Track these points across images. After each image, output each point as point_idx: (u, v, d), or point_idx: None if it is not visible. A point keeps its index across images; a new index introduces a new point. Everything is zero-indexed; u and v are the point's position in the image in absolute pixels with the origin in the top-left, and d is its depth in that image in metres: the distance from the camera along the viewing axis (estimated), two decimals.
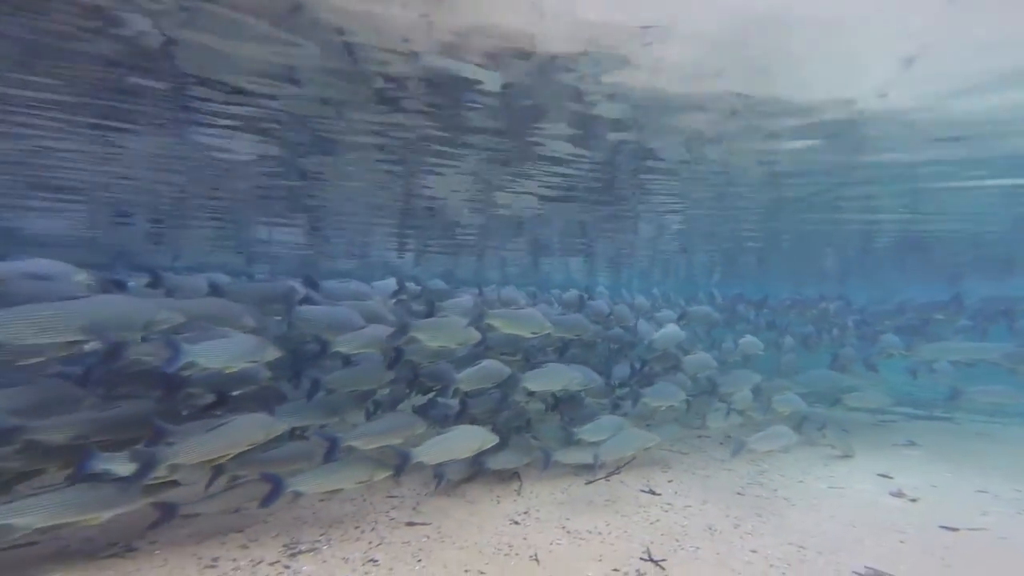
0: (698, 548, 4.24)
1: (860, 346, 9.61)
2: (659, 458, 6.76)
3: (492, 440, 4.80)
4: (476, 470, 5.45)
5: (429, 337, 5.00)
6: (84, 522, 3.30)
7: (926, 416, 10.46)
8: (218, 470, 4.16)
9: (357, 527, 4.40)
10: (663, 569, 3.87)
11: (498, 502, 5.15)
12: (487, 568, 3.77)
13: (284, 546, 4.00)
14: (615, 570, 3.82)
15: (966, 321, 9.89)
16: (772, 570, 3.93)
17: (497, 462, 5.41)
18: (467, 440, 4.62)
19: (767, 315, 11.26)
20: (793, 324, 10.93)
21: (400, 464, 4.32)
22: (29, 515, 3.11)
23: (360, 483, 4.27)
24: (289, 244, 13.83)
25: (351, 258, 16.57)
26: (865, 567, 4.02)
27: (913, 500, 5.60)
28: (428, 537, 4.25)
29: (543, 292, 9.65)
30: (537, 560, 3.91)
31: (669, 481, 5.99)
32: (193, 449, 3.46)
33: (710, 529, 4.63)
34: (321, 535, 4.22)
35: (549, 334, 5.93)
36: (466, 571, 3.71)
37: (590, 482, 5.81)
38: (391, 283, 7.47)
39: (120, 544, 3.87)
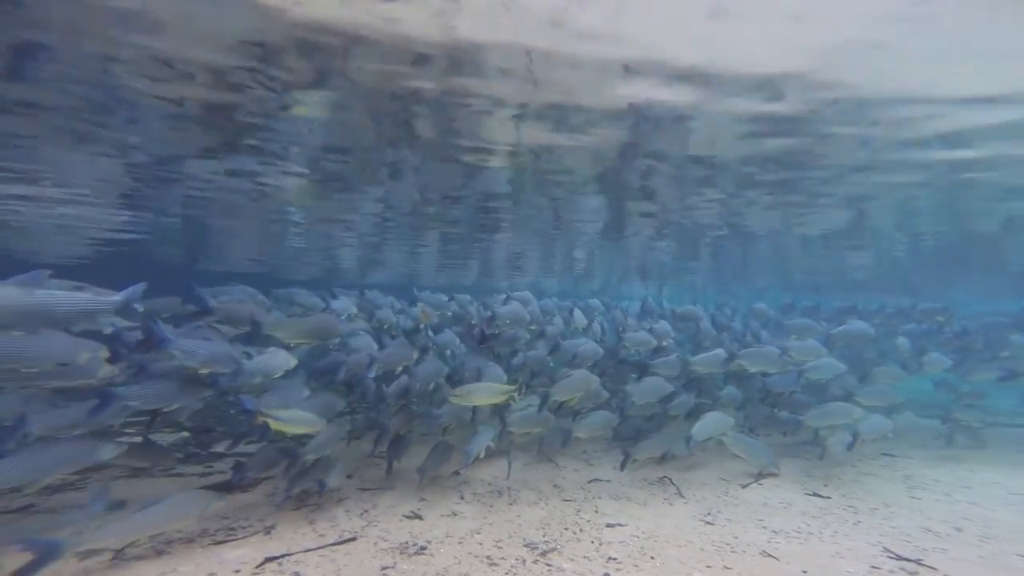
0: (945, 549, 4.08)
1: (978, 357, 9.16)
2: (803, 465, 6.55)
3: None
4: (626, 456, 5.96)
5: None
6: None
7: None
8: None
9: (568, 529, 4.39)
10: (935, 569, 3.73)
11: (671, 504, 5.04)
12: (715, 562, 3.66)
13: (527, 546, 4.01)
14: (873, 568, 3.69)
15: None
16: None
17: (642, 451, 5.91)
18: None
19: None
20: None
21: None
22: None
23: None
24: None
25: None
26: None
27: None
28: (637, 536, 4.17)
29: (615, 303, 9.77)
30: (774, 556, 3.79)
31: (825, 485, 5.79)
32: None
33: (926, 530, 4.45)
34: (544, 539, 4.20)
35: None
36: (708, 567, 3.62)
37: (745, 486, 5.67)
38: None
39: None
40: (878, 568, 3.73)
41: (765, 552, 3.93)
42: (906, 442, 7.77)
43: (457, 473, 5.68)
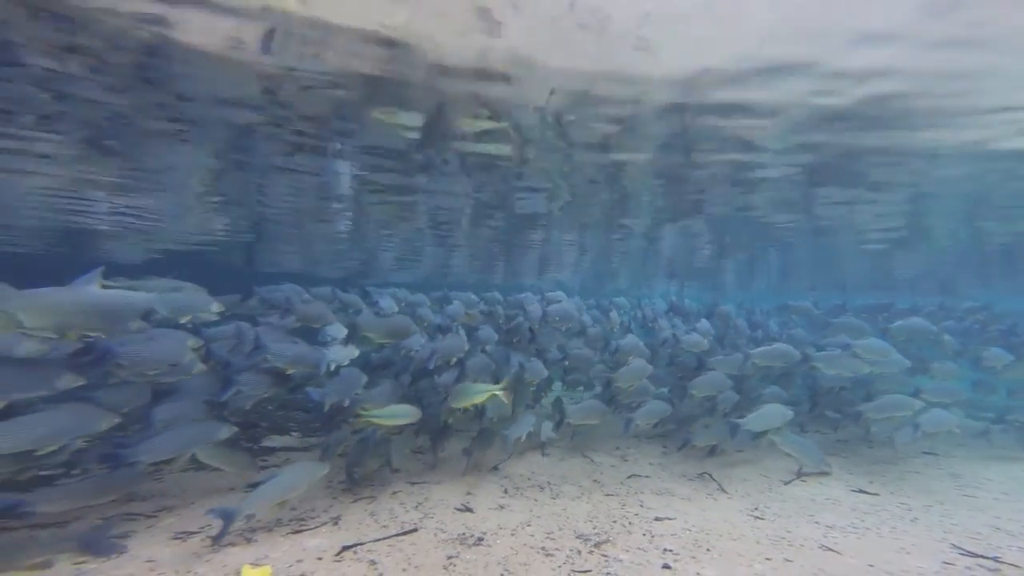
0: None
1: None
2: (847, 465, 6.44)
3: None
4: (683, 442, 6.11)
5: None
6: None
7: None
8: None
9: (616, 522, 4.42)
10: (1017, 566, 3.67)
11: (715, 499, 5.02)
12: (773, 554, 3.65)
13: (579, 537, 4.04)
14: (947, 564, 3.65)
15: None
16: None
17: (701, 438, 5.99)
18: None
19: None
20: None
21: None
22: None
23: None
24: None
25: None
26: None
27: None
28: (688, 529, 4.17)
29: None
30: (834, 550, 3.76)
31: (870, 482, 5.69)
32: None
33: (996, 528, 4.34)
34: (594, 531, 4.25)
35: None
36: (767, 559, 3.60)
37: (788, 482, 5.60)
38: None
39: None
40: (951, 564, 3.66)
41: (824, 546, 3.89)
42: (946, 441, 7.58)
43: (496, 468, 5.75)
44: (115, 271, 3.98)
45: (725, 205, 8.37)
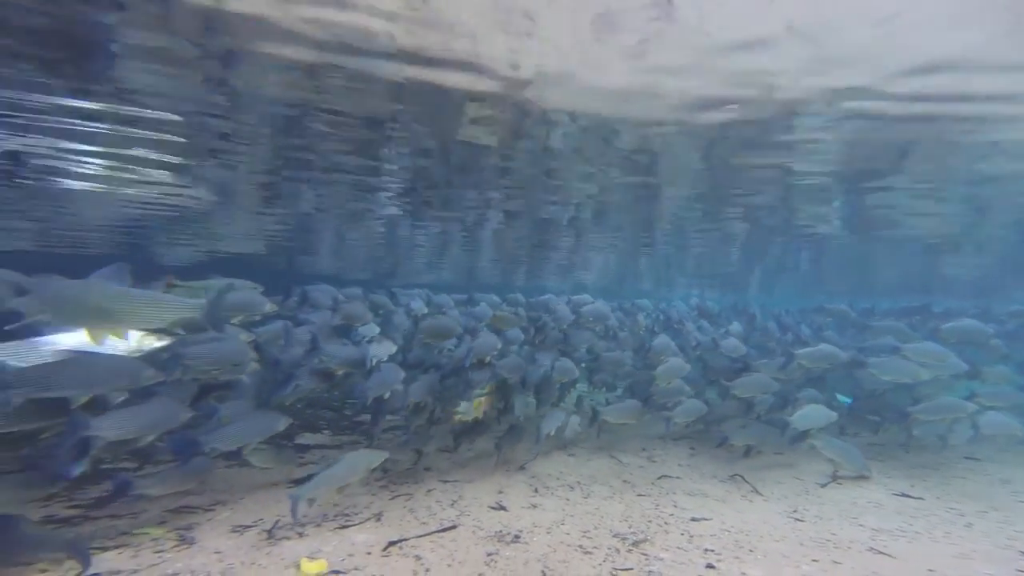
0: None
1: None
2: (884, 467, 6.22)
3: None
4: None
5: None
6: None
7: None
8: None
9: (651, 522, 4.36)
10: None
11: (751, 501, 4.91)
12: (821, 556, 3.53)
13: (615, 536, 4.00)
14: (1020, 572, 3.50)
15: None
16: None
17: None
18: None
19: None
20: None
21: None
22: None
23: None
24: None
25: None
26: None
27: None
28: (727, 530, 4.08)
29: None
30: (886, 553, 3.63)
31: (912, 486, 5.48)
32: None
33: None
34: (631, 531, 4.19)
35: None
36: (814, 560, 3.50)
37: (824, 485, 5.44)
38: None
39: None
40: None
41: (874, 549, 3.76)
42: (988, 446, 7.24)
43: (523, 467, 5.74)
44: (163, 272, 4.14)
45: (768, 208, 8.22)
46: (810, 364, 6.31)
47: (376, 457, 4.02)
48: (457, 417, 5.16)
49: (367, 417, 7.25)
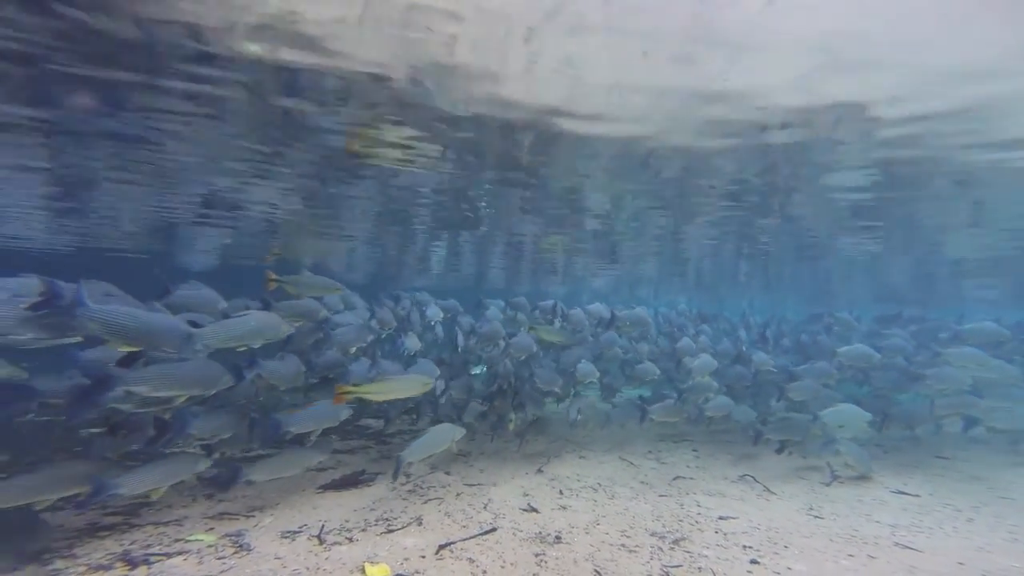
0: None
1: None
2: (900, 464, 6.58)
3: None
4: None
5: None
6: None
7: None
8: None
9: (682, 521, 4.41)
10: None
11: (767, 500, 5.06)
12: (855, 551, 3.68)
13: (653, 535, 4.00)
14: None
15: None
16: None
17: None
18: None
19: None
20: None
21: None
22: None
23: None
24: None
25: None
26: None
27: None
28: (757, 528, 4.17)
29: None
30: (913, 548, 3.81)
31: (904, 484, 5.81)
32: None
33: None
34: (666, 530, 4.21)
35: None
36: (850, 555, 3.63)
37: (828, 484, 5.68)
38: None
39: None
40: None
41: (900, 544, 3.95)
42: (952, 446, 7.70)
43: (541, 471, 5.68)
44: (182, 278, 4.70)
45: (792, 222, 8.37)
46: (848, 362, 6.70)
47: (457, 432, 4.31)
48: (511, 426, 5.35)
49: (369, 422, 7.01)
